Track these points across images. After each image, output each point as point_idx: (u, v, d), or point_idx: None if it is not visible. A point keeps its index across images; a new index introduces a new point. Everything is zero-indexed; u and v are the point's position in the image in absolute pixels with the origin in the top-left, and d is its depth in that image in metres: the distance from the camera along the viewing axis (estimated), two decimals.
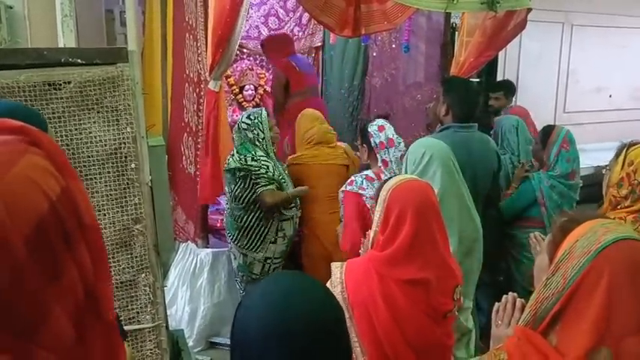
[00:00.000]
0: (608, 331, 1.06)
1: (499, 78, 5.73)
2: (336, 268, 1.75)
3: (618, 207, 2.01)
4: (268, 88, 4.81)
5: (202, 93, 2.95)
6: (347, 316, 1.65)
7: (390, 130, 2.72)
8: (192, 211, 3.40)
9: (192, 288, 3.41)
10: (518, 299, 1.40)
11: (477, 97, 2.99)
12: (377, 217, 1.72)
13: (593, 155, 4.93)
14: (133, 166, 1.96)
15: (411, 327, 1.62)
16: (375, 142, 2.67)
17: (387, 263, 1.64)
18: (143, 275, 1.99)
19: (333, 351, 0.85)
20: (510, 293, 1.42)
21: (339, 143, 3.34)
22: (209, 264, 3.40)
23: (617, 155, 2.06)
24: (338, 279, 1.70)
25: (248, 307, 0.88)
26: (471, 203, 2.34)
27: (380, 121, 2.75)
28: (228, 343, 3.14)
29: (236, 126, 2.97)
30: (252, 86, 4.87)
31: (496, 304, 1.43)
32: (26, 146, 0.58)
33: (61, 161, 0.62)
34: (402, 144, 2.72)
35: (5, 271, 0.51)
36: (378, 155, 2.66)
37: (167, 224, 2.33)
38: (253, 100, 4.87)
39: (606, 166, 2.19)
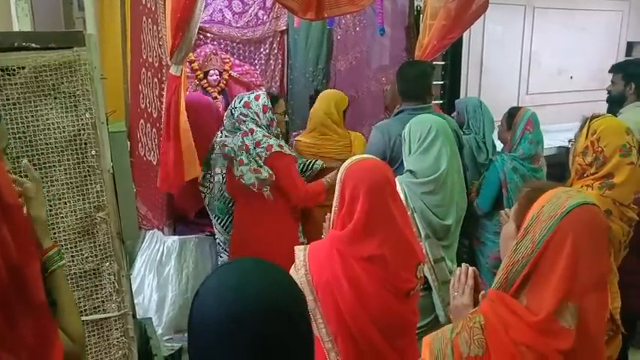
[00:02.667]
0: (573, 288, 1.15)
1: (463, 61, 5.79)
2: (300, 251, 1.76)
3: (584, 175, 2.15)
4: (234, 73, 4.74)
5: (164, 78, 2.89)
6: (311, 298, 1.66)
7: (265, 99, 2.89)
8: (153, 199, 3.35)
9: (159, 276, 3.38)
10: (471, 268, 1.48)
11: (425, 79, 3.06)
12: (335, 196, 1.73)
13: (555, 136, 5.03)
14: (93, 152, 1.92)
15: (374, 305, 1.64)
16: (254, 112, 2.83)
17: (346, 241, 1.66)
18: (107, 264, 1.96)
19: (293, 335, 0.85)
20: (463, 264, 1.50)
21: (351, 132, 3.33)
22: (176, 251, 3.37)
23: (582, 127, 2.19)
24: (302, 262, 1.71)
25: (205, 292, 0.87)
26: (462, 177, 2.51)
27: (256, 92, 2.95)
28: None
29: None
30: (216, 71, 4.78)
31: (451, 278, 1.49)
32: None
33: None
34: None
35: None
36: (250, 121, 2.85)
37: (131, 212, 2.29)
38: (218, 85, 4.79)
39: (570, 140, 2.30)
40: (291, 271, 1.72)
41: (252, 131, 2.84)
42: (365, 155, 1.89)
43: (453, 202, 2.35)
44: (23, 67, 1.81)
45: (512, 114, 3.20)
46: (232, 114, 2.95)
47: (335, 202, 1.74)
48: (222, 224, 3.21)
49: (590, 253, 1.16)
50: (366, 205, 1.63)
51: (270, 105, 2.89)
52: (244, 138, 2.83)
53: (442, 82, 5.46)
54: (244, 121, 2.88)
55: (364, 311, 1.64)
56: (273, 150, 2.79)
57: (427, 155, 2.31)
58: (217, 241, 3.28)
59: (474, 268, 1.49)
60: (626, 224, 2.12)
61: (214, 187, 3.18)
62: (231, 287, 0.85)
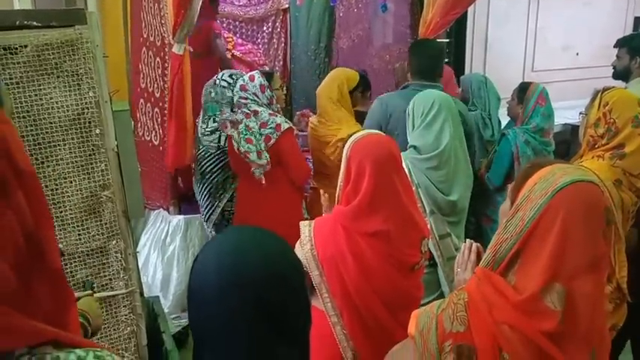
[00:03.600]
0: (561, 269, 1.11)
1: (468, 38, 5.74)
2: (305, 226, 1.77)
3: (596, 146, 2.17)
4: (237, 53, 4.72)
5: (167, 57, 2.88)
6: (317, 272, 1.67)
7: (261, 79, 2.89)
8: (155, 179, 3.36)
9: (164, 255, 3.40)
10: (475, 244, 1.47)
11: (437, 57, 3.05)
12: (341, 172, 1.73)
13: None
14: (97, 131, 1.91)
15: (379, 279, 1.65)
16: (252, 92, 2.85)
17: (351, 217, 1.67)
18: (114, 242, 1.97)
19: (292, 301, 0.86)
20: (468, 240, 1.49)
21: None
22: (181, 231, 3.39)
23: (593, 99, 2.20)
24: (307, 237, 1.72)
25: (204, 258, 0.88)
26: (467, 154, 2.48)
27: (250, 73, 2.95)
28: None
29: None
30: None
31: (457, 254, 1.49)
32: None
33: None
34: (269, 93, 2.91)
35: None
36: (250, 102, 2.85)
37: (136, 190, 2.30)
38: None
39: (581, 113, 2.30)
40: (297, 247, 1.73)
41: (255, 113, 2.82)
42: (371, 131, 1.89)
43: (457, 177, 2.34)
44: (25, 46, 1.80)
45: (524, 88, 3.19)
46: (222, 93, 2.97)
47: (340, 178, 1.74)
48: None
49: (582, 233, 1.12)
50: (372, 181, 1.64)
51: (266, 83, 2.87)
52: (247, 120, 2.82)
53: (447, 60, 5.43)
54: (245, 104, 2.85)
55: (369, 285, 1.65)
56: (282, 129, 2.80)
57: (430, 130, 2.30)
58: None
59: (477, 244, 1.48)
60: (634, 194, 2.13)
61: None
62: (231, 253, 0.85)
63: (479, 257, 1.43)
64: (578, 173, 1.18)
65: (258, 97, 2.86)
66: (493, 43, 5.89)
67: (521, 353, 1.12)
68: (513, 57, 6.19)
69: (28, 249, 0.60)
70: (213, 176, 3.10)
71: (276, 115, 2.86)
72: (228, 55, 4.82)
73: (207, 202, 3.13)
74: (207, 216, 3.15)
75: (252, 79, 2.87)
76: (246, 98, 2.84)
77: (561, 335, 1.11)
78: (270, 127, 2.80)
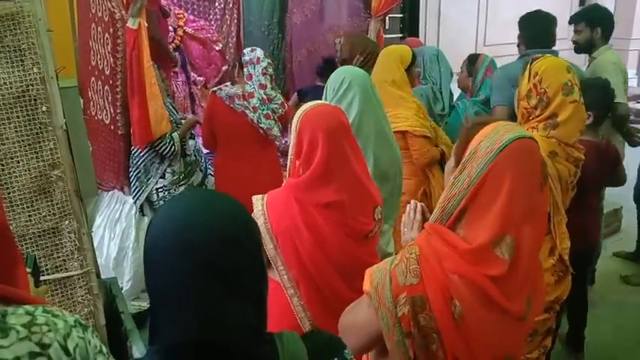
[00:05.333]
0: (510, 221, 1.18)
1: (421, 12, 5.78)
2: (257, 200, 1.76)
3: (530, 118, 2.12)
4: (189, 29, 4.62)
5: (119, 33, 2.81)
6: (272, 246, 1.68)
7: (260, 52, 3.18)
8: (108, 159, 3.29)
9: (120, 236, 3.34)
10: (419, 204, 1.53)
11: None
12: (291, 144, 1.74)
13: None
14: (44, 109, 1.86)
15: (333, 249, 1.67)
16: (245, 60, 3.14)
17: (304, 189, 1.68)
18: (66, 222, 1.93)
19: (242, 262, 0.86)
20: (412, 200, 1.55)
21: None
22: (137, 211, 3.33)
23: (524, 70, 2.16)
24: (260, 211, 1.72)
25: (155, 223, 0.87)
26: (390, 132, 2.40)
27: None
28: None
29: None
30: (170, 27, 4.66)
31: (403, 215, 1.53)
32: None
33: None
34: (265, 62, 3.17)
35: None
36: (245, 70, 3.13)
37: (88, 169, 2.25)
38: (173, 42, 4.67)
39: (514, 86, 2.30)
40: None
41: (264, 86, 3.13)
42: (318, 102, 1.89)
43: (370, 154, 2.23)
44: None
45: (472, 60, 3.24)
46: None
47: (291, 150, 1.74)
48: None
49: (526, 187, 1.19)
50: (325, 151, 1.64)
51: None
52: (257, 92, 3.11)
53: (401, 35, 5.45)
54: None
55: (324, 256, 1.67)
56: (286, 108, 3.14)
57: (340, 104, 2.20)
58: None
59: (422, 204, 1.54)
60: (572, 165, 2.12)
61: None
62: (180, 217, 0.85)
63: (424, 216, 1.49)
64: (519, 130, 1.25)
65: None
66: (446, 17, 5.96)
67: (469, 300, 1.18)
68: (466, 31, 6.28)
69: None
70: (140, 160, 3.19)
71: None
72: (180, 32, 4.72)
73: (135, 186, 3.25)
74: (135, 199, 3.29)
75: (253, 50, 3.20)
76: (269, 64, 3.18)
77: (503, 281, 1.18)
78: (276, 103, 3.10)
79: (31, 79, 1.83)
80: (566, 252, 2.14)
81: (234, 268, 0.84)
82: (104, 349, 0.67)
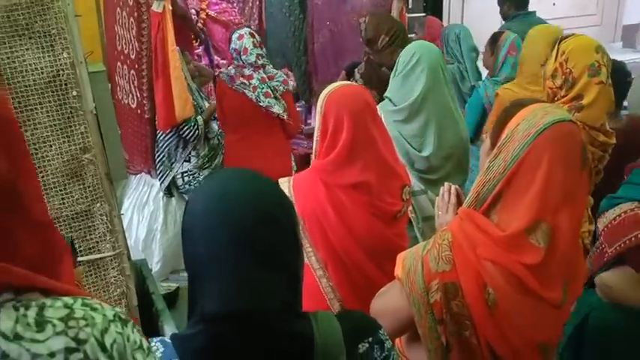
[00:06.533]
0: (546, 207, 1.15)
1: None
2: (283, 183, 1.78)
3: (555, 99, 2.07)
4: (211, 12, 4.61)
5: (144, 17, 2.82)
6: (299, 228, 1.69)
7: (247, 41, 3.16)
8: (136, 143, 3.33)
9: (148, 219, 3.39)
10: (454, 186, 1.49)
11: None
12: (316, 126, 1.74)
13: None
14: (74, 93, 1.88)
15: (360, 229, 1.68)
16: (232, 47, 3.20)
17: (330, 170, 1.69)
18: (98, 205, 1.97)
19: (277, 237, 0.88)
20: (446, 183, 1.52)
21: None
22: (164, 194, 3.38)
23: (552, 49, 2.11)
24: (287, 193, 1.73)
25: (193, 200, 0.92)
26: (456, 111, 2.36)
27: (243, 31, 3.24)
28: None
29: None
30: (193, 10, 4.66)
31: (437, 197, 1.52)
32: None
33: None
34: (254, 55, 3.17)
35: None
36: (236, 61, 3.21)
37: (117, 152, 2.28)
38: (196, 24, 4.68)
39: (542, 64, 2.25)
40: None
41: (263, 66, 3.18)
42: (343, 82, 1.88)
43: (432, 133, 2.24)
44: None
45: (496, 38, 3.18)
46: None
47: (317, 133, 1.74)
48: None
49: (563, 172, 1.15)
50: (350, 132, 1.64)
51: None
52: (257, 74, 3.15)
53: (424, 14, 5.38)
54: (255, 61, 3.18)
55: (351, 236, 1.67)
56: (289, 85, 3.17)
57: (406, 81, 2.24)
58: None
59: (456, 186, 1.50)
60: (598, 149, 2.04)
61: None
62: (218, 193, 0.88)
63: (459, 199, 1.46)
64: (559, 113, 1.20)
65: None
66: None
67: (504, 287, 1.16)
68: (491, 8, 6.15)
69: (3, 199, 0.58)
70: (165, 144, 3.25)
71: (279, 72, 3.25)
72: (203, 15, 4.72)
73: (160, 170, 3.33)
74: (161, 182, 3.37)
75: (252, 35, 3.20)
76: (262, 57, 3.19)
77: (539, 268, 1.15)
78: (278, 81, 3.14)
79: (61, 64, 1.85)
80: (586, 235, 2.10)
81: (269, 242, 0.87)
82: (144, 345, 0.65)
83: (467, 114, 3.20)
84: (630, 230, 1.56)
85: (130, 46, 3.05)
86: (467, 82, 3.51)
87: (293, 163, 3.36)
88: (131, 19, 2.96)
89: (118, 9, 3.06)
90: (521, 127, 1.18)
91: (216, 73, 3.70)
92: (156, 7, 2.70)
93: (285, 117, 3.14)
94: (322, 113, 1.71)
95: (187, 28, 3.90)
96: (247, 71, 3.14)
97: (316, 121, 1.76)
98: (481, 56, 3.54)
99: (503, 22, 4.25)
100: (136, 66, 3.06)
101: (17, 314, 0.57)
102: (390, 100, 2.34)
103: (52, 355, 0.56)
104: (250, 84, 3.12)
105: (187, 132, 3.15)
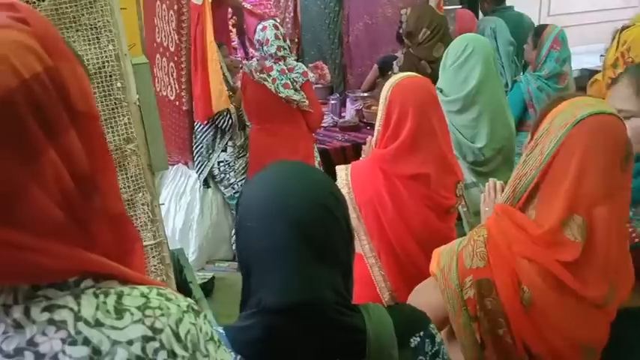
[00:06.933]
0: (580, 200, 1.11)
1: None
2: (341, 170, 1.80)
3: None
4: (247, 5, 4.65)
5: (184, 10, 2.86)
6: (354, 215, 1.72)
7: (269, 32, 3.15)
8: (173, 135, 3.38)
9: (185, 209, 3.44)
10: (498, 182, 1.47)
11: None
12: (379, 115, 1.75)
13: (578, 58, 4.89)
14: (119, 85, 1.91)
15: (415, 221, 1.69)
16: (256, 39, 3.22)
17: (390, 160, 1.70)
18: (140, 194, 2.00)
19: (331, 227, 0.89)
20: (491, 179, 1.49)
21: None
22: (201, 185, 3.42)
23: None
24: (344, 180, 1.76)
25: (249, 190, 0.94)
26: (506, 106, 2.39)
27: (267, 22, 3.24)
28: (227, 262, 3.25)
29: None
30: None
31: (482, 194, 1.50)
32: (11, 22, 0.56)
33: (52, 42, 0.59)
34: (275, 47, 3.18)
35: None
36: (259, 52, 3.26)
37: (159, 143, 2.31)
38: (232, 17, 4.72)
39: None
40: None
41: (284, 58, 3.17)
42: (408, 73, 1.89)
43: (485, 125, 2.28)
44: (43, 0, 1.79)
45: (539, 32, 3.11)
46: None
47: (379, 122, 1.76)
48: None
49: (601, 165, 1.11)
50: (414, 124, 1.66)
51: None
52: (277, 65, 3.14)
53: (460, 6, 5.29)
54: (275, 53, 3.19)
55: (405, 226, 1.70)
56: (307, 76, 3.14)
57: (458, 72, 2.27)
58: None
59: (501, 182, 1.48)
60: None
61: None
62: (272, 184, 0.90)
63: None
64: (599, 106, 1.16)
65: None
66: None
67: (540, 285, 1.14)
68: (529, 1, 6.03)
69: (80, 191, 0.59)
70: (202, 136, 3.31)
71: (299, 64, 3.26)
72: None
73: (198, 161, 3.38)
74: (199, 174, 3.42)
75: (277, 27, 3.21)
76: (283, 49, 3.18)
77: (578, 265, 1.12)
78: (297, 72, 3.12)
79: (106, 56, 1.88)
80: None
81: (324, 233, 0.88)
82: (215, 337, 0.66)
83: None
84: None
85: (170, 39, 3.09)
86: (502, 78, 3.45)
87: (316, 154, 3.37)
88: (171, 12, 3.00)
89: (158, 2, 3.10)
90: (558, 118, 1.15)
91: (240, 66, 3.73)
92: (196, 0, 2.73)
93: (305, 106, 3.14)
94: (386, 103, 1.73)
95: (239, 19, 4.02)
96: (268, 63, 3.17)
97: (379, 111, 1.78)
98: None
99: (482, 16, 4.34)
100: (175, 58, 3.11)
101: (97, 301, 0.59)
102: (440, 91, 2.34)
103: (130, 342, 0.57)
104: (270, 76, 3.14)
105: (222, 122, 3.20)
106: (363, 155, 1.97)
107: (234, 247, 3.51)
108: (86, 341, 0.56)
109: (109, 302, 0.59)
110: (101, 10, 1.87)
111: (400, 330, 0.92)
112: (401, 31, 3.57)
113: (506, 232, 1.19)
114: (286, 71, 3.15)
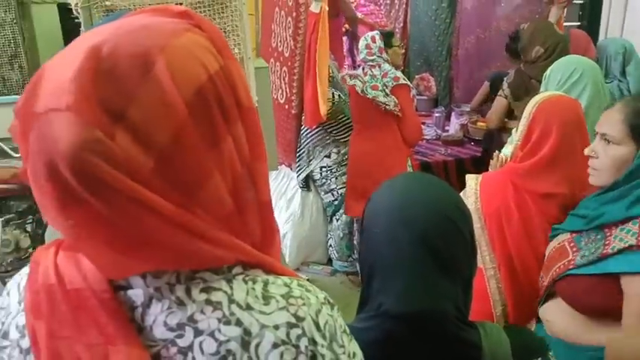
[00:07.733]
0: None
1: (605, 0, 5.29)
2: (471, 179, 1.81)
3: None
4: (359, 14, 4.69)
5: (302, 17, 2.95)
6: (479, 225, 1.73)
7: (367, 41, 3.10)
8: (280, 136, 3.48)
9: (285, 210, 3.53)
10: (502, 154, 1.74)
11: None
12: (520, 130, 1.74)
13: None
14: None
15: (537, 238, 1.67)
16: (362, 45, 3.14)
17: (525, 175, 1.70)
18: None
19: (453, 240, 0.90)
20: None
21: None
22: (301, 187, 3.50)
23: None
24: (472, 189, 1.76)
25: (375, 200, 0.97)
26: None
27: (370, 33, 3.17)
28: (321, 265, 3.27)
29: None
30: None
31: None
32: (189, 26, 0.63)
33: (221, 44, 0.65)
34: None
35: (169, 126, 0.56)
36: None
37: (271, 144, 2.40)
38: (343, 26, 4.79)
39: None
40: None
41: (379, 65, 3.09)
42: (554, 91, 1.86)
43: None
44: (181, 4, 1.92)
45: None
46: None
47: (519, 136, 1.76)
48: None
49: None
50: (557, 142, 1.66)
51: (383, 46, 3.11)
52: (373, 70, 3.08)
53: (579, 23, 5.05)
54: (371, 60, 3.11)
55: (528, 242, 1.68)
56: (399, 81, 3.02)
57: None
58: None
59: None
60: None
61: None
62: (399, 195, 0.93)
63: None
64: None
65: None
66: (634, 5, 5.38)
67: None
68: None
69: (243, 179, 0.64)
70: (307, 140, 3.36)
71: (396, 70, 3.15)
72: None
73: (299, 164, 3.44)
74: (298, 175, 3.48)
75: (374, 39, 3.10)
76: (372, 55, 3.09)
77: None
78: (390, 77, 3.05)
79: None
80: None
81: (448, 246, 0.89)
82: (347, 330, 0.68)
83: None
84: (556, 262, 1.51)
85: (285, 44, 3.19)
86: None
87: (409, 168, 3.21)
88: (289, 19, 3.10)
89: (277, 8, 3.21)
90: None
91: (342, 74, 3.77)
92: (313, 8, 2.80)
93: (395, 110, 3.02)
94: (530, 118, 1.73)
95: (353, 29, 4.09)
96: (361, 70, 3.18)
97: (519, 125, 1.79)
98: None
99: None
100: (289, 63, 3.20)
101: (247, 287, 0.63)
102: None
103: (276, 327, 0.61)
104: (361, 80, 3.13)
105: (330, 127, 3.26)
106: (490, 169, 1.95)
107: (329, 251, 3.55)
108: (239, 322, 0.60)
109: (257, 288, 0.63)
110: (231, 15, 1.98)
111: (518, 352, 0.91)
112: (512, 43, 3.45)
113: None
114: (378, 76, 3.11)
